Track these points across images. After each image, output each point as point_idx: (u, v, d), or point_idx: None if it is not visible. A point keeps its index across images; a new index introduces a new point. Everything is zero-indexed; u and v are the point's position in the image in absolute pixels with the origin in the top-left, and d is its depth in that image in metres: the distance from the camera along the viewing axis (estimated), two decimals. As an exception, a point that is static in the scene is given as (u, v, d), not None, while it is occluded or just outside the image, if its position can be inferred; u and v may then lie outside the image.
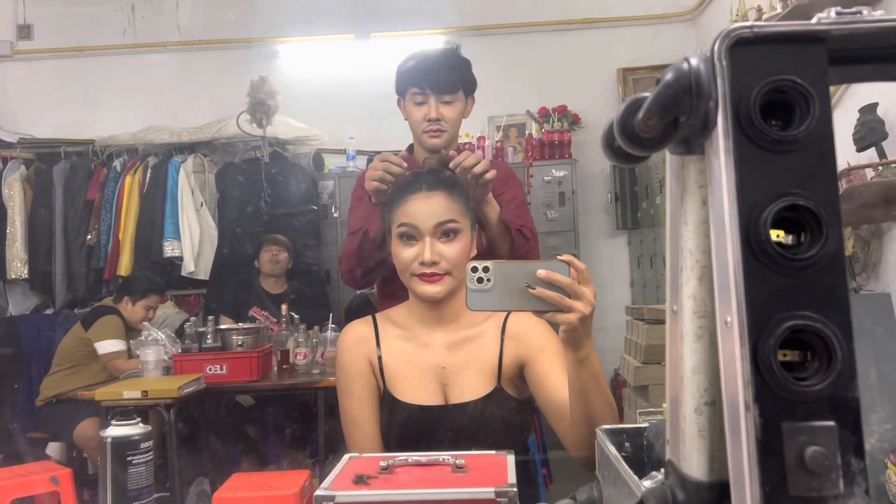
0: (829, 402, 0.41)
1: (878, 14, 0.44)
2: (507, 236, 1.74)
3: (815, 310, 0.42)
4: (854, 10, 0.44)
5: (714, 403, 0.51)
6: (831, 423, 0.41)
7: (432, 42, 5.01)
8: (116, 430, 0.85)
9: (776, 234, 0.43)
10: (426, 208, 1.34)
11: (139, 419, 0.88)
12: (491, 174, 1.54)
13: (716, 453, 0.50)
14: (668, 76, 0.46)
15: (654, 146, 0.48)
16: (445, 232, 1.34)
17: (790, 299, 0.42)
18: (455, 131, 1.96)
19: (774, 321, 0.42)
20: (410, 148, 2.05)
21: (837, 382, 0.41)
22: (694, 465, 0.51)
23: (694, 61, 0.46)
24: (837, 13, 0.44)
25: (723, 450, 0.46)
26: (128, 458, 0.84)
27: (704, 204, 0.49)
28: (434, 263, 1.32)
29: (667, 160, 0.54)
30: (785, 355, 0.43)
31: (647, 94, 0.47)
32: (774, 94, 0.44)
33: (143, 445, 0.85)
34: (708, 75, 0.45)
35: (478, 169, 1.51)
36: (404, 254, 1.35)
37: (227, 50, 5.03)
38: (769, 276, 0.42)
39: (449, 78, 1.89)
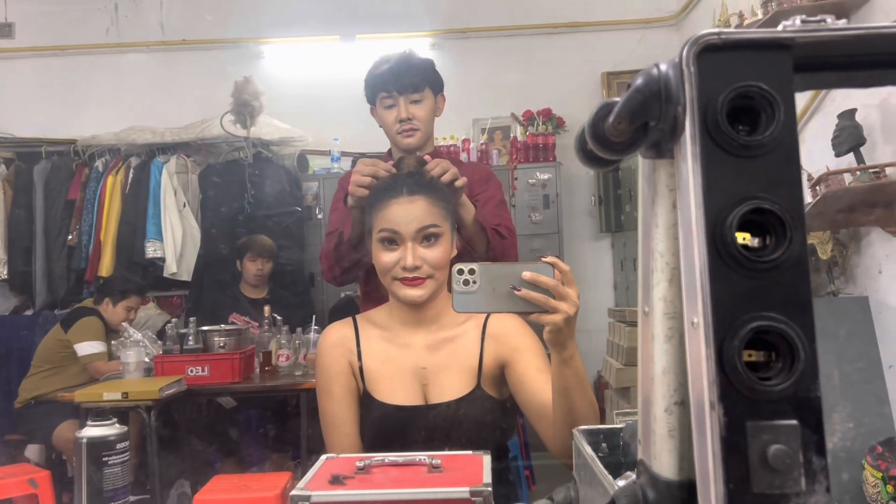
0: (792, 402, 0.42)
1: (841, 23, 0.45)
2: (483, 236, 1.77)
3: (779, 311, 0.43)
4: (818, 18, 0.45)
5: (684, 403, 0.51)
6: (794, 421, 0.42)
7: (417, 45, 5.02)
8: (92, 431, 0.85)
9: (742, 237, 0.44)
10: (407, 214, 1.34)
11: (115, 420, 0.87)
12: (461, 182, 1.56)
13: (686, 453, 0.51)
14: (638, 81, 0.47)
15: (624, 150, 0.49)
16: (427, 236, 1.35)
17: (755, 301, 0.43)
18: (428, 129, 2.03)
19: (739, 322, 0.43)
20: (389, 152, 2.08)
21: (800, 382, 0.42)
22: (664, 464, 0.52)
23: (663, 66, 0.47)
24: (802, 21, 0.45)
25: (692, 449, 0.46)
26: (103, 459, 0.84)
27: (674, 207, 0.50)
28: (416, 268, 1.33)
29: (639, 164, 0.55)
30: (750, 356, 0.43)
31: (617, 98, 0.48)
32: (741, 99, 0.45)
33: (118, 446, 0.85)
34: (677, 81, 0.46)
35: (446, 178, 1.52)
36: (386, 258, 1.35)
37: (212, 50, 5.00)
38: (734, 277, 0.43)
39: (413, 78, 1.97)
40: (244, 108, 4.20)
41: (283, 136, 4.69)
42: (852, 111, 2.42)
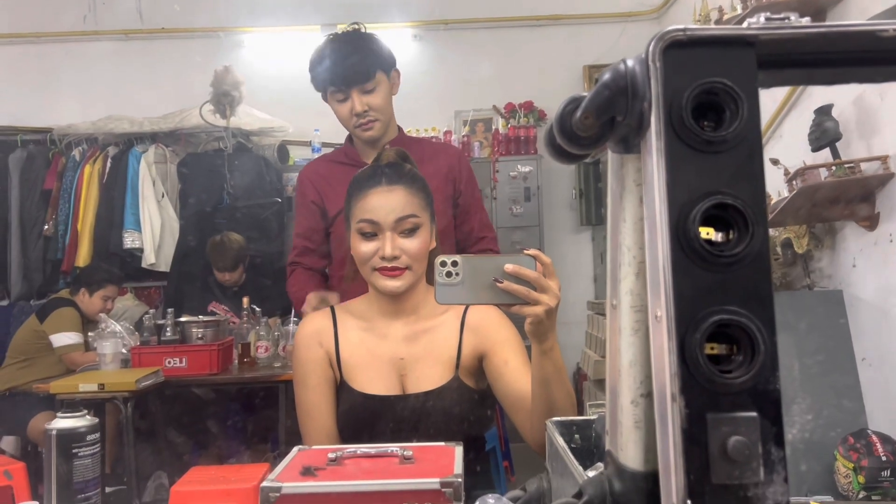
0: (752, 394, 0.43)
1: (805, 20, 0.45)
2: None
3: (740, 304, 0.44)
4: (782, 16, 0.45)
5: (650, 395, 0.52)
6: (753, 413, 0.43)
7: (399, 35, 5.00)
8: (62, 423, 0.84)
9: (706, 232, 0.45)
10: (386, 203, 1.34)
11: (86, 411, 0.87)
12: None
13: (651, 444, 0.52)
14: (605, 76, 0.47)
15: (591, 145, 0.49)
16: (406, 227, 1.34)
17: (717, 294, 0.44)
18: (387, 115, 1.94)
19: (701, 316, 0.43)
20: (350, 140, 2.04)
21: (760, 375, 0.43)
22: (630, 455, 0.52)
23: (630, 62, 0.47)
24: (766, 19, 0.45)
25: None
26: (73, 451, 0.83)
27: (641, 202, 0.51)
28: (395, 258, 1.33)
29: (608, 160, 0.55)
30: (712, 349, 0.44)
31: (585, 93, 0.48)
32: (706, 95, 0.45)
33: (89, 438, 0.85)
34: (643, 76, 0.46)
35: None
36: (364, 248, 1.35)
37: (191, 39, 4.95)
38: (697, 272, 0.44)
39: (362, 66, 1.85)
40: (224, 98, 4.17)
41: (263, 127, 4.66)
42: (829, 107, 2.45)
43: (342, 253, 1.87)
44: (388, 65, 1.92)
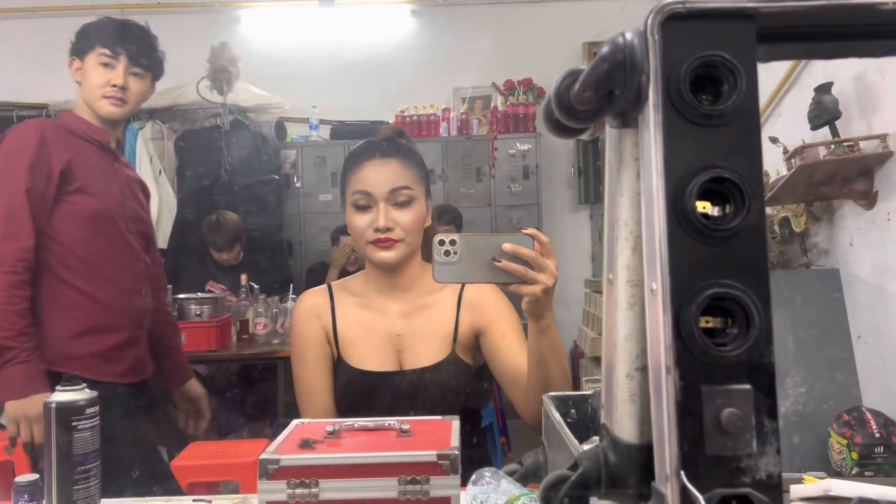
0: (746, 367, 0.43)
1: (804, -7, 0.45)
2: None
3: (735, 278, 0.44)
4: (782, -11, 0.45)
5: (645, 369, 0.52)
6: (747, 386, 0.43)
7: (398, 12, 4.96)
8: (61, 396, 0.85)
9: (702, 206, 0.45)
10: (379, 175, 1.35)
11: (85, 384, 0.88)
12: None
13: (646, 417, 0.52)
14: (604, 50, 0.47)
15: (589, 118, 0.49)
16: (399, 199, 1.35)
17: (712, 268, 0.44)
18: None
19: (697, 289, 0.43)
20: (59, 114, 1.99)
21: (754, 348, 0.43)
22: (625, 428, 0.53)
23: (629, 35, 0.47)
24: (766, -9, 0.45)
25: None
26: (73, 424, 0.84)
27: (639, 176, 0.51)
28: (388, 229, 1.34)
29: (606, 133, 0.55)
30: (707, 322, 0.44)
31: (583, 67, 0.48)
32: (704, 68, 0.45)
33: (88, 411, 0.85)
34: (641, 49, 0.46)
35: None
36: (359, 221, 1.35)
37: (187, 14, 4.91)
38: (693, 245, 0.44)
39: (143, 48, 1.91)
40: (221, 74, 4.14)
41: (260, 103, 4.64)
42: (828, 85, 2.44)
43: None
44: (160, 69, 1.99)
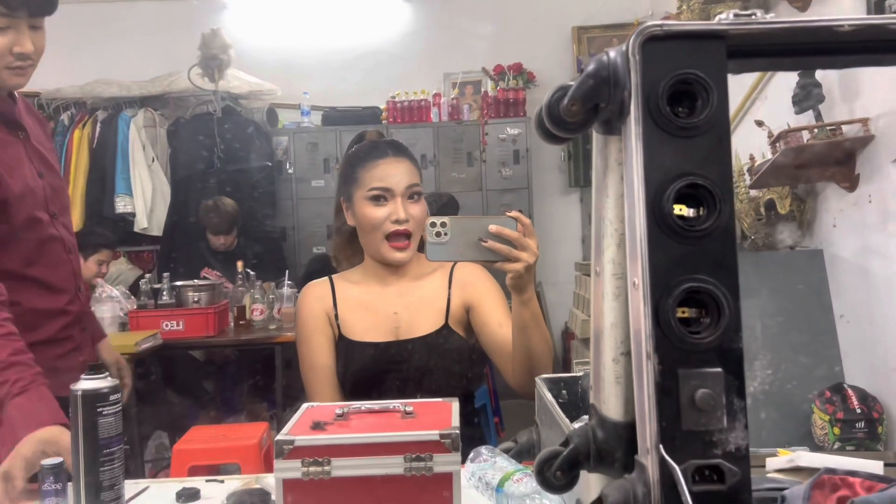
0: (717, 352, 0.49)
1: (770, 16, 0.50)
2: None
3: (708, 273, 0.49)
4: (749, 12, 0.50)
5: (629, 354, 0.58)
6: (719, 369, 0.49)
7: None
8: (86, 384, 0.91)
9: (679, 209, 0.50)
10: (397, 172, 1.45)
11: (108, 373, 0.94)
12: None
13: (630, 397, 0.58)
14: (590, 67, 0.52)
15: (578, 129, 0.54)
16: (412, 194, 1.46)
17: (688, 264, 0.49)
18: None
19: (674, 283, 0.49)
20: None
21: (725, 335, 0.49)
22: (612, 407, 0.58)
23: (612, 54, 0.52)
24: (735, 15, 0.50)
25: (635, 394, 0.53)
26: (98, 410, 0.90)
27: (623, 180, 0.56)
28: (405, 221, 1.44)
29: (593, 138, 0.60)
30: (683, 312, 0.50)
31: (571, 83, 0.53)
32: (681, 85, 0.50)
33: (112, 398, 0.92)
34: (624, 67, 0.51)
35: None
36: (377, 213, 1.44)
37: (179, 1, 4.90)
38: (670, 244, 0.49)
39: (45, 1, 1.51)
40: (212, 61, 4.16)
41: (252, 90, 4.65)
42: (813, 70, 2.49)
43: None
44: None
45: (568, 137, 0.57)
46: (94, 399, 0.88)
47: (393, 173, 1.45)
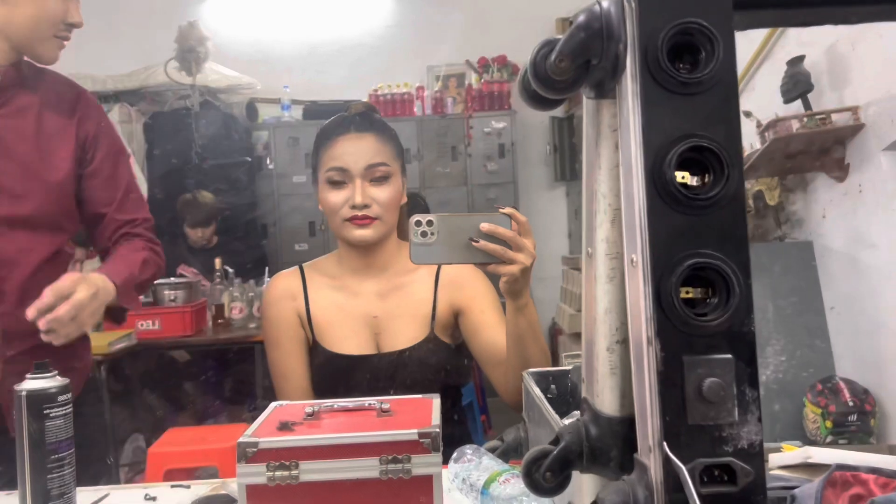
0: (727, 336, 0.43)
1: (781, -41, 0.45)
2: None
3: (715, 248, 0.44)
4: (759, -45, 0.44)
5: (625, 342, 0.52)
6: (728, 355, 0.43)
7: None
8: (31, 384, 0.83)
9: (681, 176, 0.44)
10: (356, 150, 1.31)
11: (56, 372, 0.86)
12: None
13: (626, 390, 0.52)
14: (580, 18, 0.46)
15: (566, 89, 0.49)
16: (376, 175, 1.32)
17: (692, 238, 0.44)
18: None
19: (677, 259, 0.43)
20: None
21: (735, 317, 0.43)
22: (606, 401, 0.53)
23: (605, 3, 0.46)
24: (743, -43, 0.44)
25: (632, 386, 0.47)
26: (45, 412, 0.82)
27: (617, 148, 0.50)
28: (365, 206, 1.30)
29: (583, 105, 0.54)
30: (687, 292, 0.44)
31: (559, 36, 0.47)
32: (681, 36, 0.44)
33: (60, 398, 0.84)
34: (618, 18, 0.45)
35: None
36: (333, 198, 1.32)
37: (152, -7, 4.80)
38: (673, 215, 0.44)
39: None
40: (189, 55, 4.07)
41: (230, 84, 4.57)
42: (801, 58, 2.45)
43: None
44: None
45: (555, 100, 0.51)
46: (40, 400, 0.81)
47: (351, 152, 1.30)
